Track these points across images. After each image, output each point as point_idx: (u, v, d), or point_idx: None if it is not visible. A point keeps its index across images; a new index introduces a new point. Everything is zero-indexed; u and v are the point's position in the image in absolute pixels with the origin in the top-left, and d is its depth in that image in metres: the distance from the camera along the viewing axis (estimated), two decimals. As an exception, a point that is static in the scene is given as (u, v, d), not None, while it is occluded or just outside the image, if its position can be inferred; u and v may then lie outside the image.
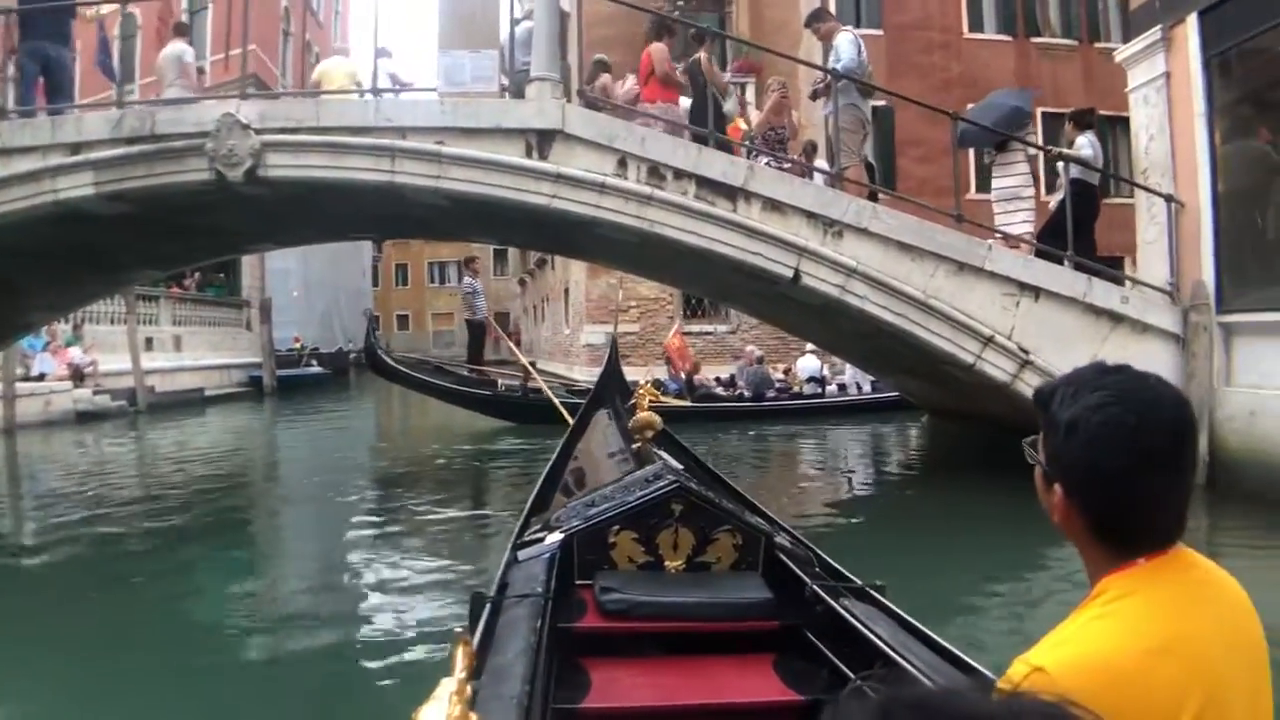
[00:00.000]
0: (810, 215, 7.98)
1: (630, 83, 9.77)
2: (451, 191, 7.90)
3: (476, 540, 7.56)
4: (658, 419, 4.20)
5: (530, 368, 14.70)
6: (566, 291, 26.52)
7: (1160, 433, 1.17)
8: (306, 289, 33.46)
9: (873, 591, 2.89)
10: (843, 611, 2.68)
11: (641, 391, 4.71)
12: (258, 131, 8.02)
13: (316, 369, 29.73)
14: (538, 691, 2.09)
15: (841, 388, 16.91)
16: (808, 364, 16.93)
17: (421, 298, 58.45)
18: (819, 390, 16.64)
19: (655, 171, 7.86)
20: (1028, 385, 8.30)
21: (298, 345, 30.64)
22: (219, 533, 8.03)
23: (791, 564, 3.12)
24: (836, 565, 3.26)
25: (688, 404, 15.21)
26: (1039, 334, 8.46)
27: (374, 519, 8.54)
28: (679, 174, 7.87)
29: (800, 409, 15.92)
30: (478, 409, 14.76)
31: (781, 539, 3.33)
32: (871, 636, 2.47)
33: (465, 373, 15.72)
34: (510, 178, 7.77)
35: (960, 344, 8.29)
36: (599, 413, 6.32)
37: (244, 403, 23.55)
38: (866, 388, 16.18)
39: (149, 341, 21.68)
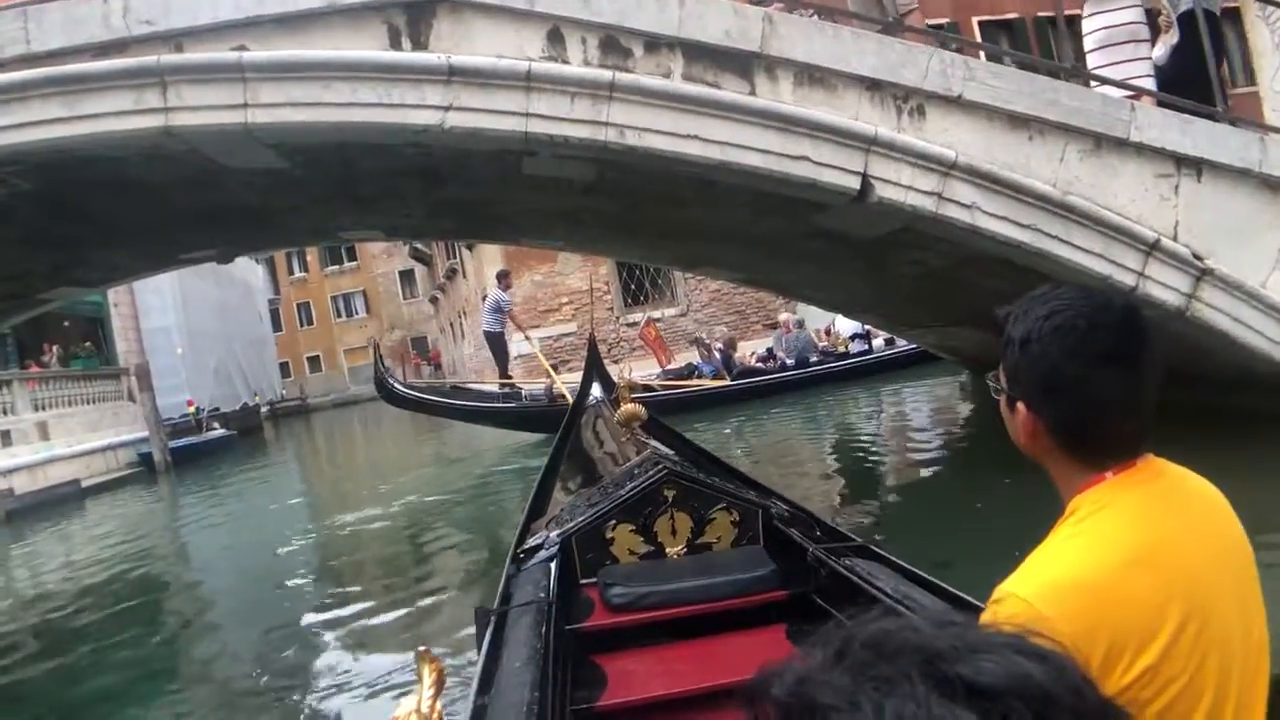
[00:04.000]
0: (873, 85, 4.86)
1: None
2: (276, 127, 4.60)
3: (474, 563, 6.82)
4: (642, 410, 4.04)
5: (552, 371, 13.93)
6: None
7: (1112, 332, 1.12)
8: (191, 345, 29.78)
9: (873, 548, 2.83)
10: (845, 572, 2.63)
11: (622, 385, 4.42)
12: (-68, 79, 4.71)
13: (219, 432, 26.44)
14: (551, 696, 2.07)
15: (889, 340, 14.99)
16: (848, 321, 15.03)
17: (330, 335, 54.82)
18: (865, 347, 15.11)
19: (612, 44, 4.61)
20: (1208, 306, 5.55)
21: (192, 409, 26.91)
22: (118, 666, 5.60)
23: (791, 532, 3.04)
24: (835, 526, 3.27)
25: (727, 383, 14.33)
26: (1208, 228, 5.71)
27: (334, 580, 7.04)
28: (653, 43, 4.64)
29: (848, 370, 14.74)
30: (505, 424, 13.74)
31: (779, 508, 3.25)
32: (876, 592, 2.41)
33: (493, 389, 14.92)
34: (371, 87, 4.47)
35: (1115, 259, 5.40)
36: (586, 411, 6.13)
37: (133, 487, 20.15)
38: None
39: (5, 435, 18.61)
